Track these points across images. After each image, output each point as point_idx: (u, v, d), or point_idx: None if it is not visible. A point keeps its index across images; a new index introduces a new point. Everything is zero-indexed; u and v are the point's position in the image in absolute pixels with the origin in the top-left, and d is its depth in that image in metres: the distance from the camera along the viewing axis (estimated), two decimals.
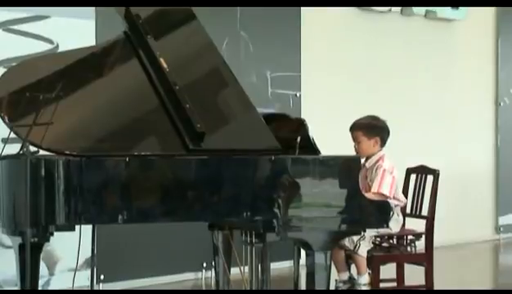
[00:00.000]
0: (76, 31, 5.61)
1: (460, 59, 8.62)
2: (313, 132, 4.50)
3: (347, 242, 4.60)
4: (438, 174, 4.91)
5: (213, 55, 4.65)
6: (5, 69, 4.69)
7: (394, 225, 4.68)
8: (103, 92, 4.32)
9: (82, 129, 4.11)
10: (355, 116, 4.91)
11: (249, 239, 4.64)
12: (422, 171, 5.07)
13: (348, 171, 4.28)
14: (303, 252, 4.35)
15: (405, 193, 5.01)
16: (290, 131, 4.48)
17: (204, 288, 6.01)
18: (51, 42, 5.62)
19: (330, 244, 4.24)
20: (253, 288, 4.66)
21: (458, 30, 8.56)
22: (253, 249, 4.62)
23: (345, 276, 4.82)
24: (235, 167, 4.09)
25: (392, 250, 4.82)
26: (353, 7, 7.70)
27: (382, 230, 4.63)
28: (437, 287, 4.87)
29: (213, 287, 5.38)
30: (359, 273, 4.73)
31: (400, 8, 7.96)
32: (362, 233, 4.53)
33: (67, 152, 3.87)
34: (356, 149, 4.81)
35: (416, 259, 4.88)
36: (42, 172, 3.77)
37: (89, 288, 4.93)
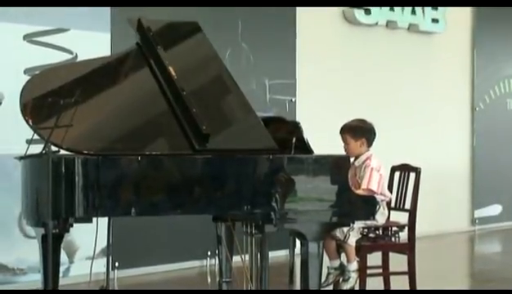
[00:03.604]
0: (93, 42, 5.62)
1: (439, 68, 8.63)
2: (307, 134, 4.51)
3: (337, 232, 4.60)
4: (420, 172, 4.91)
5: (216, 65, 4.66)
6: (29, 77, 4.69)
7: (380, 218, 4.69)
8: (117, 98, 4.33)
9: (98, 131, 4.12)
10: (345, 119, 4.90)
11: (249, 230, 4.64)
12: (405, 169, 5.07)
13: (339, 168, 4.28)
14: (298, 242, 4.35)
15: (390, 188, 5.01)
16: (286, 133, 4.48)
17: (208, 275, 6.01)
18: (70, 52, 5.62)
19: (322, 234, 4.24)
20: (253, 275, 4.66)
21: (438, 42, 8.57)
22: (253, 239, 4.63)
23: (336, 263, 4.81)
24: (237, 165, 4.09)
25: (379, 240, 4.81)
26: (344, 23, 7.71)
27: (369, 222, 4.63)
28: (418, 273, 4.87)
29: (217, 274, 5.37)
30: (348, 260, 4.72)
31: (385, 22, 7.97)
32: (351, 225, 4.52)
33: (85, 151, 3.88)
34: (345, 150, 4.81)
35: (400, 248, 4.88)
36: (63, 170, 3.77)
37: (105, 275, 4.93)
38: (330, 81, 7.52)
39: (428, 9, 8.28)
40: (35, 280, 4.92)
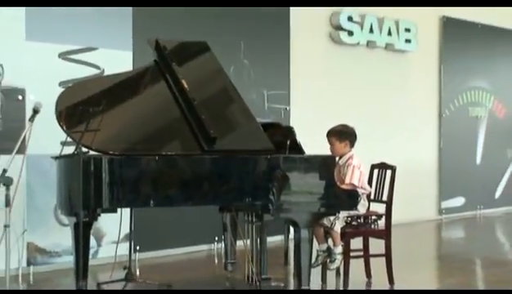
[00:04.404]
0: (117, 59, 5.61)
1: (412, 81, 8.62)
2: (299, 137, 4.51)
3: (325, 220, 4.59)
4: (395, 169, 4.90)
5: (222, 78, 4.66)
6: (63, 89, 4.69)
7: (361, 208, 4.68)
8: (138, 106, 4.33)
9: (122, 134, 4.12)
10: (331, 124, 4.90)
11: (250, 219, 4.65)
12: (383, 167, 5.06)
13: (326, 166, 4.28)
14: (291, 229, 4.35)
15: (370, 183, 5.00)
16: (282, 136, 4.48)
17: (215, 257, 6.00)
18: (98, 67, 5.62)
19: (312, 222, 4.24)
20: (254, 257, 4.65)
21: (411, 59, 8.56)
22: (254, 226, 4.64)
23: (324, 247, 4.80)
24: (240, 163, 4.09)
25: (360, 227, 4.80)
26: (330, 43, 7.71)
27: (352, 212, 4.63)
28: (394, 255, 4.86)
29: (223, 256, 5.36)
30: (335, 244, 4.72)
31: (366, 42, 7.96)
32: (337, 214, 4.52)
33: (111, 152, 3.88)
34: (331, 151, 4.80)
35: (378, 234, 4.87)
36: (92, 168, 3.77)
37: (128, 257, 4.93)
38: (318, 92, 7.52)
39: (402, 31, 8.28)
40: (68, 261, 4.91)
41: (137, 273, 5.23)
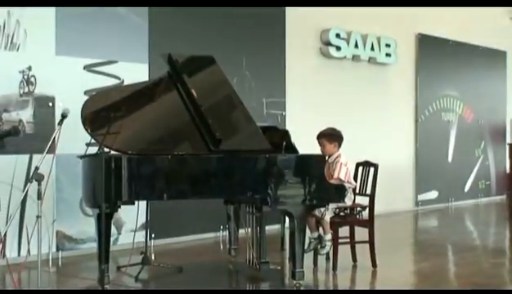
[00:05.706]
0: (135, 71, 5.60)
1: (392, 90, 8.61)
2: (293, 139, 4.49)
3: (316, 211, 4.58)
4: (377, 167, 4.89)
5: (227, 87, 4.65)
6: (88, 97, 4.68)
7: (348, 201, 4.67)
8: (153, 112, 4.33)
9: (139, 136, 4.12)
10: (321, 128, 4.89)
11: (251, 210, 4.64)
12: (367, 164, 5.05)
13: (317, 164, 4.27)
14: (287, 219, 4.33)
15: (355, 179, 4.99)
16: (278, 138, 4.48)
17: (221, 243, 5.98)
18: (118, 78, 5.60)
19: (305, 213, 4.23)
20: (254, 243, 4.64)
21: (391, 71, 8.55)
22: (254, 217, 4.62)
23: (315, 234, 4.79)
24: (242, 162, 4.08)
25: (347, 217, 4.80)
26: (320, 57, 7.69)
27: (340, 204, 4.62)
28: (376, 242, 4.85)
29: (227, 242, 5.34)
30: (325, 232, 4.71)
31: (352, 56, 7.95)
32: (327, 206, 4.51)
33: (129, 152, 3.88)
34: (321, 151, 4.79)
35: (363, 223, 4.85)
36: (113, 165, 3.77)
37: (144, 243, 4.91)
38: (310, 100, 7.51)
39: (383, 46, 8.27)
40: (92, 247, 4.90)
41: (153, 257, 5.22)
